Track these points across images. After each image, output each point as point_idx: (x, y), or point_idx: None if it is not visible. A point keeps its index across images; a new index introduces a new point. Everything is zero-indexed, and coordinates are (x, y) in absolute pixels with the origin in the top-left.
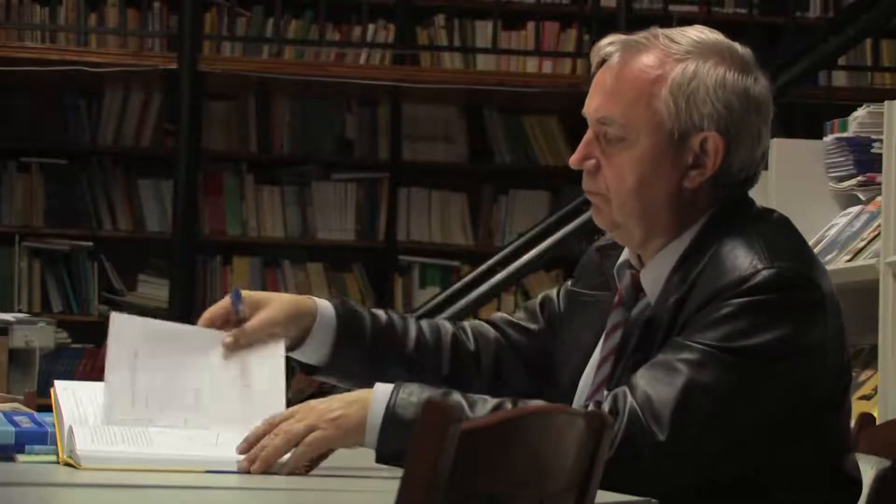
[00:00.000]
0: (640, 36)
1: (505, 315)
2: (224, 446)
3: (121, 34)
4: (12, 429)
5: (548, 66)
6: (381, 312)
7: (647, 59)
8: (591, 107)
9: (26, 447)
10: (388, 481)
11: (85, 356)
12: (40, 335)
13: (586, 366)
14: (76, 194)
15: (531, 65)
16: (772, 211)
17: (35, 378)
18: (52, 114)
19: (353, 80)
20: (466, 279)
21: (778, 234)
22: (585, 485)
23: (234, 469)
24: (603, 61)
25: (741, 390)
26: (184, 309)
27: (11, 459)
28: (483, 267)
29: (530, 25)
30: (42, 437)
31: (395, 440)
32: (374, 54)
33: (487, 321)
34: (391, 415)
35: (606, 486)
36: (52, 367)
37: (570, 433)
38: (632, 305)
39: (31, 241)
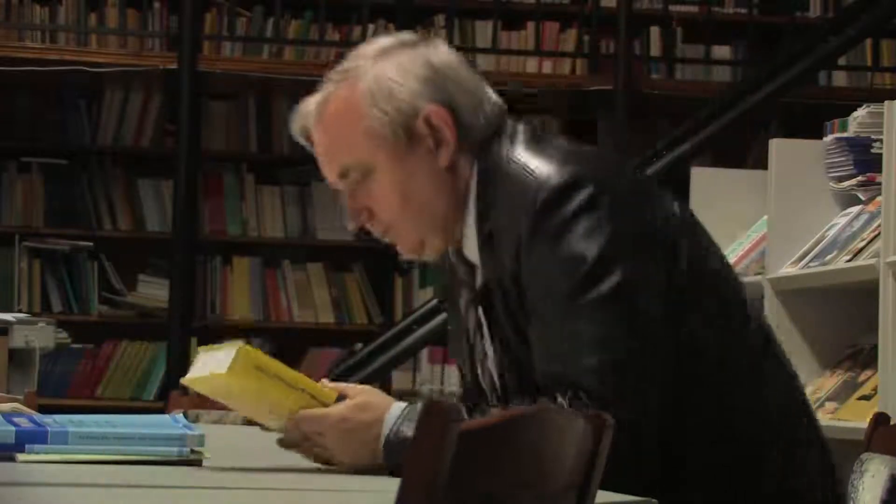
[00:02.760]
0: (321, 88)
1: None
2: None
3: (121, 34)
4: (12, 429)
5: (548, 66)
6: None
7: (336, 98)
8: (329, 174)
9: (26, 447)
10: (388, 481)
11: (85, 356)
12: (40, 335)
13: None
14: (76, 194)
15: (531, 65)
16: (520, 129)
17: (35, 378)
18: (52, 114)
19: None
20: None
21: (538, 149)
22: (585, 485)
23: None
24: (307, 130)
25: (618, 321)
26: (184, 309)
27: (11, 459)
28: None
29: (530, 25)
30: (42, 437)
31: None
32: None
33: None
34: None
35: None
36: (52, 367)
37: (570, 433)
38: (473, 282)
39: (31, 241)
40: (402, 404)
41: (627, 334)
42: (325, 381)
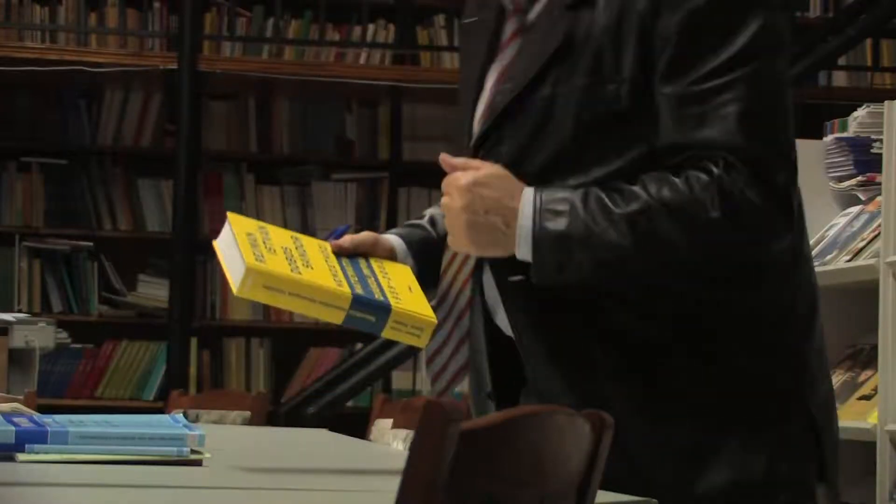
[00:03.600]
0: None
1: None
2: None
3: (121, 34)
4: (12, 429)
5: None
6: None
7: None
8: None
9: (26, 447)
10: (389, 481)
11: (85, 356)
12: (40, 335)
13: (479, 100)
14: (76, 194)
15: None
16: None
17: (35, 378)
18: (52, 114)
19: (353, 80)
20: None
21: None
22: (585, 485)
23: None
24: None
25: (768, 95)
26: (184, 309)
27: (11, 459)
28: None
29: None
30: (42, 437)
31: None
32: (374, 54)
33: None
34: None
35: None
36: (52, 367)
37: (570, 433)
38: (528, 9)
39: (31, 241)
40: (530, 196)
41: (775, 110)
42: (445, 156)
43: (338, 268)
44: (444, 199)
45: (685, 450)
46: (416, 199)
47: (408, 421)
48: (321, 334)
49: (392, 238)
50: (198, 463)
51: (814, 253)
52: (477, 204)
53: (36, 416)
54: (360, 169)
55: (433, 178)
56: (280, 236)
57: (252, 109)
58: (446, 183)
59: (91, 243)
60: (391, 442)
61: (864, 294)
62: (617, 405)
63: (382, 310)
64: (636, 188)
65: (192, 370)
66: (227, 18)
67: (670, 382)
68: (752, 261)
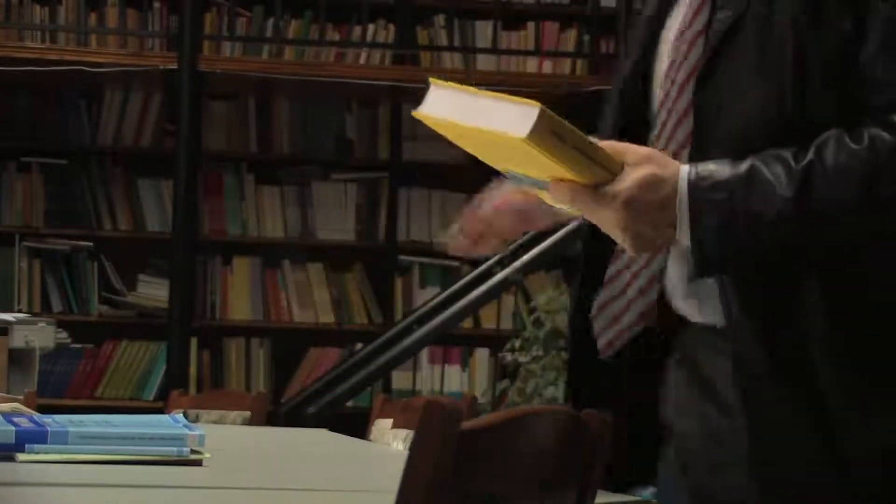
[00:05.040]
0: None
1: None
2: None
3: (121, 34)
4: (12, 429)
5: (548, 66)
6: None
7: None
8: None
9: (26, 447)
10: (389, 481)
11: (85, 356)
12: (40, 335)
13: (657, 47)
14: (76, 194)
15: (531, 65)
16: None
17: (35, 378)
18: (52, 114)
19: (353, 80)
20: (466, 279)
21: None
22: (585, 485)
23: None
24: None
25: None
26: (184, 309)
27: (11, 459)
28: (483, 267)
29: (530, 25)
30: (42, 437)
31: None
32: (374, 54)
33: None
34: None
35: None
36: (52, 367)
37: (570, 433)
38: None
39: (31, 241)
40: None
41: None
42: (593, 138)
43: None
44: (592, 217)
45: None
46: (416, 199)
47: (408, 421)
48: (321, 334)
49: None
50: (198, 463)
51: None
52: (634, 223)
53: (36, 416)
54: (360, 169)
55: (433, 178)
56: None
57: (252, 109)
58: (593, 202)
59: (91, 243)
60: (391, 442)
61: None
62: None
63: None
64: (810, 159)
65: (192, 370)
66: (227, 18)
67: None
68: None
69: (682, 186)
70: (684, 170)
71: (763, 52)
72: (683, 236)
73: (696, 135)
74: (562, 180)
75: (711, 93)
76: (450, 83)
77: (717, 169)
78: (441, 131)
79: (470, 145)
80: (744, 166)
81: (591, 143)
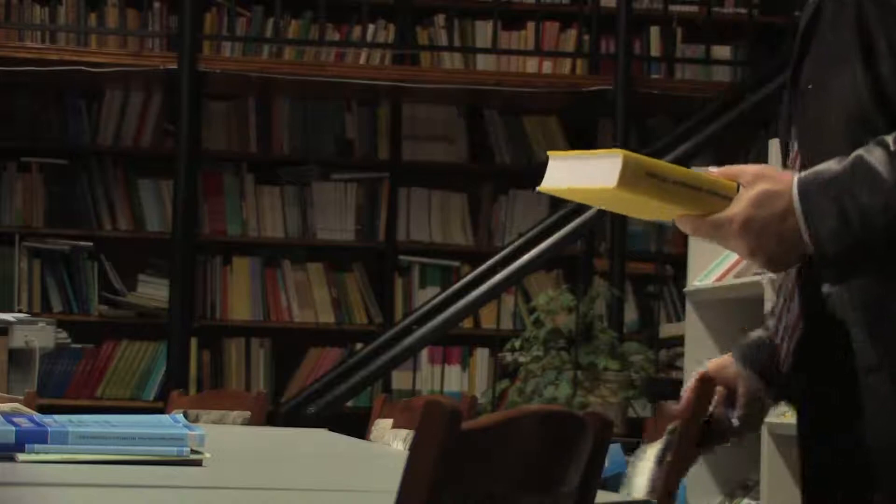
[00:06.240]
0: None
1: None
2: None
3: (121, 34)
4: (12, 429)
5: (548, 66)
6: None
7: None
8: None
9: (26, 447)
10: (388, 481)
11: (85, 356)
12: (40, 335)
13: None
14: (76, 194)
15: (531, 65)
16: None
17: (35, 378)
18: (52, 114)
19: (353, 80)
20: (466, 279)
21: None
22: (585, 485)
23: None
24: None
25: None
26: (184, 309)
27: (11, 459)
28: (483, 267)
29: (530, 25)
30: (42, 437)
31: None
32: (374, 54)
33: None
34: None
35: None
36: (52, 367)
37: (571, 433)
38: None
39: (31, 241)
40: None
41: None
42: (712, 168)
43: None
44: (727, 247)
45: None
46: (416, 199)
47: (408, 421)
48: (321, 334)
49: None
50: (198, 463)
51: None
52: (758, 242)
53: (36, 416)
54: (360, 169)
55: (433, 178)
56: None
57: (252, 109)
58: (713, 230)
59: (91, 243)
60: (391, 442)
61: None
62: None
63: None
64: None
65: (192, 370)
66: (227, 18)
67: None
68: None
69: (795, 194)
70: (795, 178)
71: (836, 41)
72: (806, 242)
73: (798, 135)
74: (683, 216)
75: (804, 89)
76: (566, 152)
77: (823, 169)
78: (570, 198)
79: (599, 204)
80: (848, 160)
81: (695, 174)
